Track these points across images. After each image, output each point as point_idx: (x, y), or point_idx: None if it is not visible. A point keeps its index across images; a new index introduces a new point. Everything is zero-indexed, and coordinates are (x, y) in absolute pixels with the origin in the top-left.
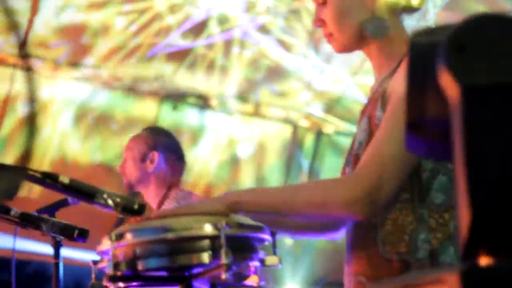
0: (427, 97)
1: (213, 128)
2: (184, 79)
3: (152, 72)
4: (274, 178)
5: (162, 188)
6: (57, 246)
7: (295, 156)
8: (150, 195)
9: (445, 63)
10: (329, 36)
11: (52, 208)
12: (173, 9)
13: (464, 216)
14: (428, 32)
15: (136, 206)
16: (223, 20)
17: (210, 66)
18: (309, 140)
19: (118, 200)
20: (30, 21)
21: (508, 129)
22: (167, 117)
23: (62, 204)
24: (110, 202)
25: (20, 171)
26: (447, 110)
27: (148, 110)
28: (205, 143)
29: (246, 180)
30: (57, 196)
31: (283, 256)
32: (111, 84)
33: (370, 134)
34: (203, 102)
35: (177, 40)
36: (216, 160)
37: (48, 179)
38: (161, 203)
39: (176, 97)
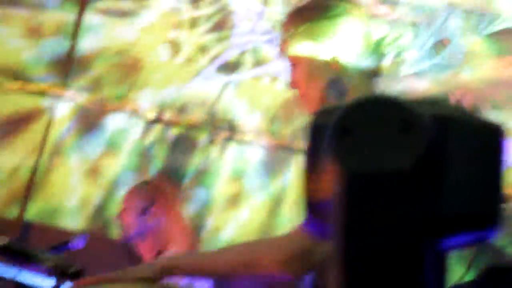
0: (323, 180)
1: None
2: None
3: None
4: None
5: (160, 244)
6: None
7: None
8: (147, 249)
9: (329, 147)
10: (302, 97)
11: (54, 251)
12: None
13: None
14: (329, 111)
15: (72, 270)
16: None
17: None
18: None
19: (55, 263)
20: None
21: (388, 218)
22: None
23: (64, 247)
24: (47, 264)
25: None
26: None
27: None
28: None
29: None
30: None
31: None
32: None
33: None
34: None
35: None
36: None
37: None
38: (156, 258)
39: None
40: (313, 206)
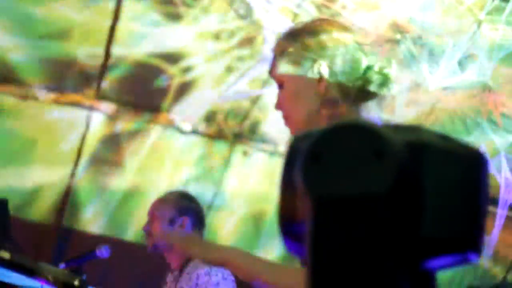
0: (297, 203)
1: None
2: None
3: None
4: None
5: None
6: None
7: None
8: (174, 258)
9: (300, 172)
10: (286, 119)
11: (80, 260)
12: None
13: None
14: (307, 136)
15: (76, 283)
16: None
17: None
18: None
19: (58, 276)
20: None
21: (354, 244)
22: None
23: (91, 256)
24: (50, 277)
25: None
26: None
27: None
28: None
29: None
30: None
31: None
32: None
33: None
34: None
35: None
36: None
37: None
38: (182, 268)
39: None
40: (288, 227)
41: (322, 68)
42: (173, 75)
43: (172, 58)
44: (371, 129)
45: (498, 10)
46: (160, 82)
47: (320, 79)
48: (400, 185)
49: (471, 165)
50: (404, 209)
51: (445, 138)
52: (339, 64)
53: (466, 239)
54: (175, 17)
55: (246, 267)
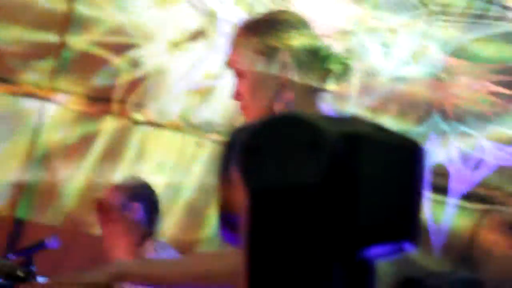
0: (233, 194)
1: None
2: None
3: None
4: None
5: (138, 240)
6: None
7: None
8: (127, 245)
9: (237, 164)
10: (244, 109)
11: (29, 250)
12: None
13: None
14: (244, 128)
15: (20, 273)
16: None
17: None
18: None
19: (2, 267)
20: None
21: (289, 233)
22: None
23: (40, 246)
24: None
25: None
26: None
27: None
28: None
29: None
30: None
31: None
32: None
33: None
34: None
35: None
36: None
37: None
38: (134, 255)
39: None
40: (226, 217)
41: (283, 58)
42: (124, 66)
43: (123, 48)
44: (307, 121)
45: (450, 2)
46: (110, 73)
47: (281, 69)
48: (335, 176)
49: (406, 155)
50: (339, 198)
51: (381, 129)
52: (299, 54)
53: (401, 228)
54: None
55: (145, 272)
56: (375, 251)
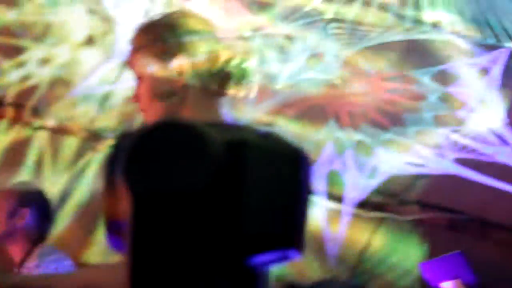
0: (119, 200)
1: None
2: None
3: None
4: None
5: (28, 245)
6: None
7: None
8: (16, 251)
9: (122, 170)
10: (143, 112)
11: None
12: None
13: None
14: (130, 134)
15: None
16: None
17: None
18: None
19: None
20: None
21: (172, 240)
22: None
23: None
24: None
25: None
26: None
27: None
28: None
29: None
30: None
31: None
32: None
33: None
34: None
35: None
36: None
37: None
38: (24, 260)
39: None
40: (111, 223)
41: (181, 61)
42: (13, 69)
43: (13, 51)
44: (192, 128)
45: (344, 9)
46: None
47: (179, 73)
48: (219, 183)
49: (291, 164)
50: (223, 206)
51: (267, 137)
52: (198, 58)
53: (286, 236)
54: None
55: (43, 283)
56: (260, 258)
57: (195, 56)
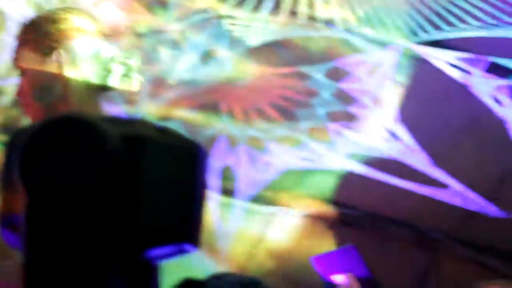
0: (15, 195)
1: None
2: None
3: None
4: None
5: None
6: None
7: None
8: None
9: (17, 166)
10: (25, 107)
11: None
12: None
13: None
14: (25, 130)
15: None
16: None
17: None
18: None
19: None
20: None
21: (66, 235)
22: None
23: None
24: None
25: None
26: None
27: None
28: None
29: None
30: None
31: None
32: None
33: None
34: None
35: None
36: None
37: None
38: None
39: None
40: (7, 218)
41: (62, 57)
42: None
43: None
44: (87, 123)
45: (239, 5)
46: None
47: (59, 68)
48: (115, 177)
49: (188, 158)
50: (119, 199)
51: (163, 131)
52: (80, 54)
53: (182, 230)
54: None
55: None
56: (156, 252)
57: (77, 51)
